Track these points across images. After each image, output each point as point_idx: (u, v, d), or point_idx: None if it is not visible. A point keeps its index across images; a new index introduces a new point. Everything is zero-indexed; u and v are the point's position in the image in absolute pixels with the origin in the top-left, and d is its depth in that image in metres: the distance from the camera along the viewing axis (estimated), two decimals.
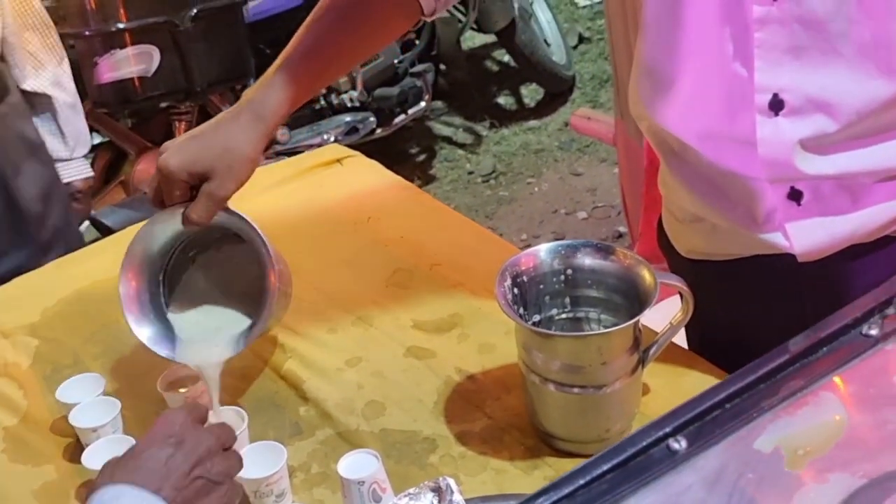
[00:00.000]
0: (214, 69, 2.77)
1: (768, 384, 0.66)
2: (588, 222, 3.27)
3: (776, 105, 1.01)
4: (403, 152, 3.74)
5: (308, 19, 1.18)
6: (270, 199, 1.63)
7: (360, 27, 1.19)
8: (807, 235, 1.08)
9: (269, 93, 1.13)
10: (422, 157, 3.74)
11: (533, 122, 3.85)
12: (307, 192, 1.65)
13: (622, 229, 3.09)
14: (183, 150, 1.11)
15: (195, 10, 2.70)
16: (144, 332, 1.15)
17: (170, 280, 1.19)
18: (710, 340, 1.24)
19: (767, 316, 1.15)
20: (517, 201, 3.44)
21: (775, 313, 1.17)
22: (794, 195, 1.07)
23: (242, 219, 1.13)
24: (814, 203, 1.07)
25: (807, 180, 1.05)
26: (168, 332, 1.16)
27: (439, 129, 3.88)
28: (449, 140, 3.82)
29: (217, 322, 1.17)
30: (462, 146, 3.79)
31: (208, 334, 1.16)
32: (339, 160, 1.76)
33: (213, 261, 1.21)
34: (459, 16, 3.62)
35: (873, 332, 0.69)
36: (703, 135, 1.09)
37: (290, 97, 1.14)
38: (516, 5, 3.59)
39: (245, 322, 1.16)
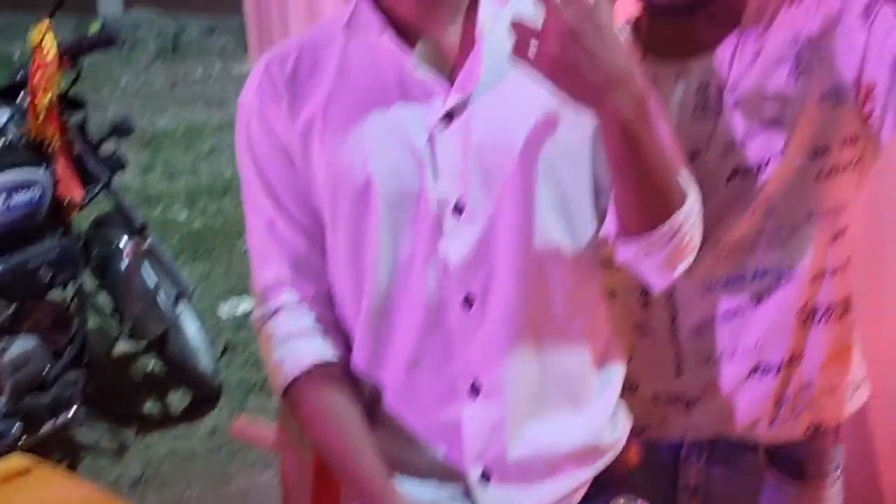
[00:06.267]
0: None
1: None
2: None
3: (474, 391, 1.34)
4: (46, 461, 3.61)
5: None
6: None
7: None
8: None
9: None
10: (63, 465, 3.63)
11: (181, 429, 3.91)
12: None
13: None
14: None
15: None
16: None
17: None
18: None
19: None
20: None
21: None
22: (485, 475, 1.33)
23: None
24: (503, 479, 1.33)
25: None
26: None
27: (84, 434, 3.81)
28: (94, 447, 3.77)
29: None
30: (107, 453, 3.74)
31: None
32: None
33: None
34: (113, 324, 3.71)
35: None
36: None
37: None
38: (167, 316, 3.76)
39: None
